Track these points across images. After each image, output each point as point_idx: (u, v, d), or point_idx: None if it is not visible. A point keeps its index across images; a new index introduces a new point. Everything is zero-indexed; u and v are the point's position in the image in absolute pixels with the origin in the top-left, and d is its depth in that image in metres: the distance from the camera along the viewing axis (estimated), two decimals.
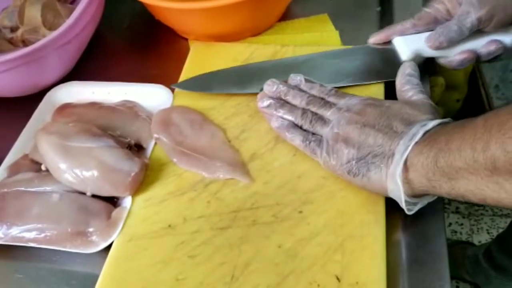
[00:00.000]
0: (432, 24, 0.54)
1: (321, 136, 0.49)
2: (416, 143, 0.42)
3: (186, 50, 0.67)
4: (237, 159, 0.53)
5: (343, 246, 0.45)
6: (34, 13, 0.68)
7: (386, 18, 0.69)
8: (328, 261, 0.44)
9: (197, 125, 0.56)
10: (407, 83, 0.50)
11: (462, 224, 1.38)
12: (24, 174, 0.53)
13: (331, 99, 0.51)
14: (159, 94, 0.61)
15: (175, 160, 0.53)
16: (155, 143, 0.56)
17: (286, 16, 0.72)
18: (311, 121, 0.50)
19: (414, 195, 0.43)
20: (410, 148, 0.42)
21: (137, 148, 0.56)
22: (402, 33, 0.56)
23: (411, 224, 0.47)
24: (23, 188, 0.51)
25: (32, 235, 0.48)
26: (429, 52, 0.54)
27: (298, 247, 0.45)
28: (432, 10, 0.55)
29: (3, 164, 0.55)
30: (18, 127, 0.59)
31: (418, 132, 0.42)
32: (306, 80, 0.54)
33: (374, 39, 0.58)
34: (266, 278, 0.43)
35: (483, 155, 0.36)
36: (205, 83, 0.59)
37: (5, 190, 0.52)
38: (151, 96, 0.61)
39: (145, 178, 0.52)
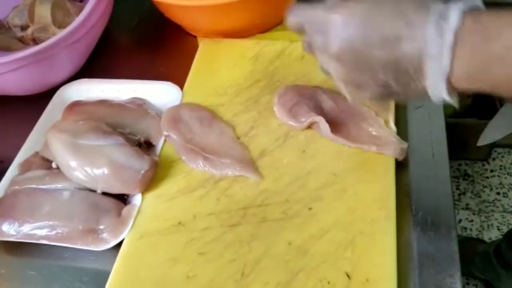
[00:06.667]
0: None
1: None
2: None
3: (195, 47, 0.67)
4: (247, 156, 0.53)
5: (354, 243, 0.45)
6: (44, 12, 0.68)
7: None
8: (339, 258, 0.44)
9: (206, 122, 0.56)
10: None
11: (472, 221, 1.37)
12: (35, 171, 0.54)
13: None
14: (168, 92, 0.61)
15: (184, 158, 0.53)
16: (165, 141, 0.56)
17: None
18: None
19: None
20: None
21: (146, 146, 0.56)
22: None
23: (421, 220, 0.47)
24: (34, 186, 0.52)
25: (43, 232, 0.48)
26: None
27: (308, 244, 0.45)
28: None
29: (14, 162, 0.55)
30: (28, 125, 0.59)
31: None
32: None
33: None
34: (276, 275, 0.43)
35: None
36: None
37: (17, 187, 0.52)
38: (160, 94, 0.61)
39: (155, 175, 0.52)
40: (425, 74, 0.36)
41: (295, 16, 0.43)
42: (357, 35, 0.38)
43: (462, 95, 0.37)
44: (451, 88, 0.36)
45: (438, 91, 0.36)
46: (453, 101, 0.37)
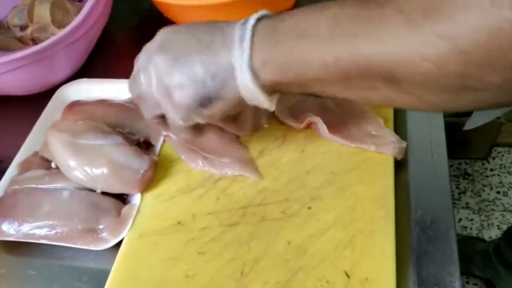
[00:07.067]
0: None
1: None
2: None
3: None
4: (246, 155, 0.53)
5: (353, 242, 0.45)
6: (43, 12, 0.68)
7: None
8: (338, 257, 0.44)
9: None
10: None
11: (472, 220, 1.37)
12: (35, 171, 0.54)
13: None
14: None
15: (183, 157, 0.54)
16: (164, 140, 0.56)
17: None
18: None
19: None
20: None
21: (146, 145, 0.56)
22: None
23: (420, 219, 0.47)
24: (33, 186, 0.52)
25: (43, 232, 0.48)
26: None
27: (307, 243, 0.45)
28: None
29: (14, 162, 0.55)
30: (28, 125, 0.59)
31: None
32: None
33: None
34: (276, 274, 0.43)
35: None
36: None
37: (16, 187, 0.52)
38: None
39: (154, 175, 0.52)
40: (236, 76, 0.39)
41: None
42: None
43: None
44: (261, 85, 0.39)
45: (248, 87, 0.39)
46: (267, 101, 0.40)
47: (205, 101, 0.41)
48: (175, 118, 0.45)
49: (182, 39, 0.42)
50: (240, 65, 0.38)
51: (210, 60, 0.40)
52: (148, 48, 0.45)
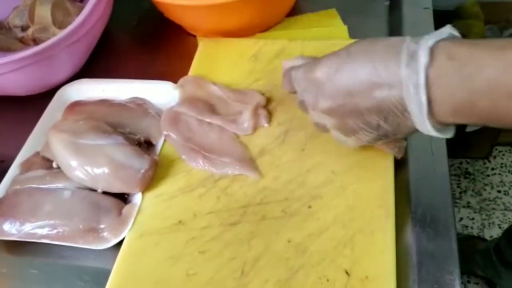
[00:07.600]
0: None
1: None
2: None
3: (195, 47, 0.67)
4: (246, 154, 0.53)
5: (353, 240, 0.45)
6: (44, 12, 0.69)
7: (395, 12, 0.69)
8: (338, 256, 0.44)
9: (206, 122, 0.56)
10: None
11: (473, 219, 1.37)
12: (36, 171, 0.54)
13: None
14: (168, 91, 0.61)
15: (184, 157, 0.54)
16: (165, 140, 0.56)
17: (294, 11, 0.71)
18: None
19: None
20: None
21: (146, 145, 0.56)
22: None
23: (420, 218, 0.47)
24: (35, 185, 0.52)
25: (44, 231, 0.49)
26: None
27: (307, 242, 0.45)
28: None
29: (15, 162, 0.56)
30: (29, 125, 0.59)
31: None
32: None
33: None
34: (276, 273, 0.44)
35: None
36: None
37: (18, 187, 0.53)
38: (160, 93, 0.61)
39: (155, 174, 0.52)
40: (410, 113, 0.38)
41: (287, 81, 0.49)
42: (338, 91, 0.41)
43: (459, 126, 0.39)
44: (438, 123, 0.37)
45: (425, 128, 0.38)
46: (445, 135, 0.39)
47: (383, 138, 0.43)
48: (350, 143, 0.46)
49: (350, 91, 0.41)
50: (419, 116, 0.37)
51: (380, 107, 0.39)
52: (316, 103, 0.44)
